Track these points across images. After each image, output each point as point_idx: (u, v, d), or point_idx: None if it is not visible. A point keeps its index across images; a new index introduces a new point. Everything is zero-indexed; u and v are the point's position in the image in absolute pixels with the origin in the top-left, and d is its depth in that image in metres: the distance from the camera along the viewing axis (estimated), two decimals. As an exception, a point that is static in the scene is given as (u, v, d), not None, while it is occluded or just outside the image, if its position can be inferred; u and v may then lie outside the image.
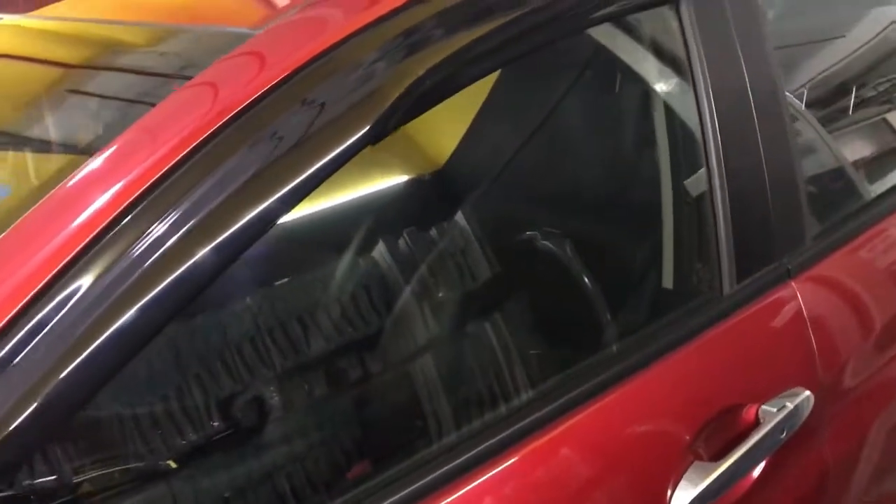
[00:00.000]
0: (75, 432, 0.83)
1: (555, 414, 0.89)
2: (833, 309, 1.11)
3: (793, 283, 1.08)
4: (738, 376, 1.02)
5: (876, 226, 1.19)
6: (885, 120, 1.54)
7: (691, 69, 1.05)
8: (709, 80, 1.04)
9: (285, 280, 1.15)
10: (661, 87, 1.11)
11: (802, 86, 1.40)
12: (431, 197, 1.38)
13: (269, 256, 1.13)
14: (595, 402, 0.92)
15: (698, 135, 1.05)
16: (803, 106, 1.37)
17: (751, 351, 1.04)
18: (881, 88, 1.54)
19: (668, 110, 1.11)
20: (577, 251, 1.23)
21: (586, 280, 1.17)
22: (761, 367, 1.04)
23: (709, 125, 1.04)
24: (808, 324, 1.07)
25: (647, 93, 1.13)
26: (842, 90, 1.46)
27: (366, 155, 1.24)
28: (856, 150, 1.36)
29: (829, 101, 1.51)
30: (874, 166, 1.40)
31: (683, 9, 1.05)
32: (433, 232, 1.24)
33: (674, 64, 1.08)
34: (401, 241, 1.22)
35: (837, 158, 1.31)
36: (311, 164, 0.75)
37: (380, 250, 1.21)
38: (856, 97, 1.42)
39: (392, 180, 1.35)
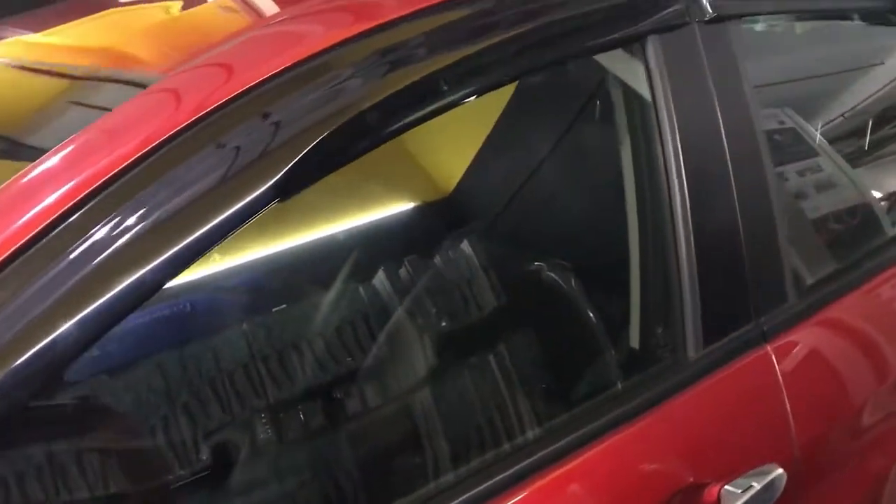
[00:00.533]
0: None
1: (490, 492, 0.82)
2: (814, 376, 1.02)
3: (768, 347, 0.99)
4: (701, 451, 0.93)
5: (870, 282, 1.09)
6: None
7: (656, 113, 0.97)
8: (676, 126, 0.96)
9: (280, 309, 1.12)
10: (627, 131, 1.04)
11: (832, 119, 1.31)
12: (437, 224, 1.32)
13: (260, 285, 1.12)
14: (538, 477, 0.84)
15: (663, 183, 0.97)
16: (822, 140, 1.28)
17: (717, 422, 0.95)
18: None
19: (636, 156, 1.03)
20: (549, 301, 1.16)
21: (552, 336, 1.10)
22: (728, 441, 0.95)
23: (674, 173, 0.96)
24: (785, 392, 0.98)
25: (616, 137, 1.06)
26: (866, 124, 1.35)
27: (369, 178, 1.21)
28: (875, 189, 1.26)
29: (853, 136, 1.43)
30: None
31: (650, 49, 0.98)
32: (437, 260, 1.20)
33: (640, 107, 1.01)
34: (402, 270, 1.17)
35: (848, 201, 1.20)
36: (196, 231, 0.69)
37: (380, 278, 1.16)
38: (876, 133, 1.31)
39: (397, 206, 1.30)
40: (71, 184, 0.68)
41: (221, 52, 0.83)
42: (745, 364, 0.97)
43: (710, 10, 1.02)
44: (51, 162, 0.71)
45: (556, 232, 1.26)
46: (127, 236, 0.67)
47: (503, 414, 1.04)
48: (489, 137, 1.38)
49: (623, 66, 1.02)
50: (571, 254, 1.17)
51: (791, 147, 1.19)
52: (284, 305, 1.13)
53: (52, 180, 0.69)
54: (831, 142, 1.20)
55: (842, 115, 1.36)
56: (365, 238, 1.23)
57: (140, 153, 0.70)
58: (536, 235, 1.30)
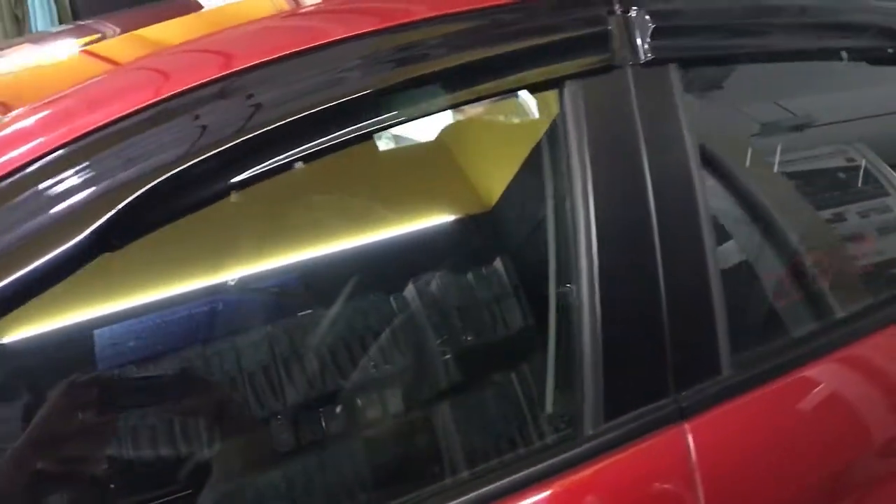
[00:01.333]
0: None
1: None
2: (738, 464, 0.90)
3: (686, 426, 0.89)
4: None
5: (816, 362, 0.97)
6: None
7: (569, 167, 0.90)
8: (589, 179, 0.89)
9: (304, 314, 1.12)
10: (548, 182, 0.97)
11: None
12: (474, 239, 1.28)
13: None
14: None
15: (572, 237, 0.90)
16: (786, 198, 1.16)
17: (609, 507, 0.86)
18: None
19: (557, 205, 0.96)
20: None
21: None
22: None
23: (582, 225, 0.88)
24: (699, 479, 0.87)
25: (541, 185, 0.99)
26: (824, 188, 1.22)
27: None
28: (831, 259, 1.13)
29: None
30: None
31: (566, 94, 0.91)
32: (469, 276, 1.16)
33: (555, 159, 0.93)
34: (433, 283, 1.14)
35: (797, 269, 1.08)
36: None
37: (411, 291, 1.14)
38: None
39: (436, 218, 1.27)
40: None
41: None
42: (653, 444, 0.88)
43: (647, 53, 0.94)
44: None
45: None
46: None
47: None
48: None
49: (546, 112, 0.95)
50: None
51: (746, 204, 1.07)
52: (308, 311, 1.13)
53: None
54: (793, 200, 1.08)
55: (801, 176, 1.23)
56: (398, 249, 1.20)
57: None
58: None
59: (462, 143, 1.22)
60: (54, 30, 2.45)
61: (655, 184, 0.91)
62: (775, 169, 1.25)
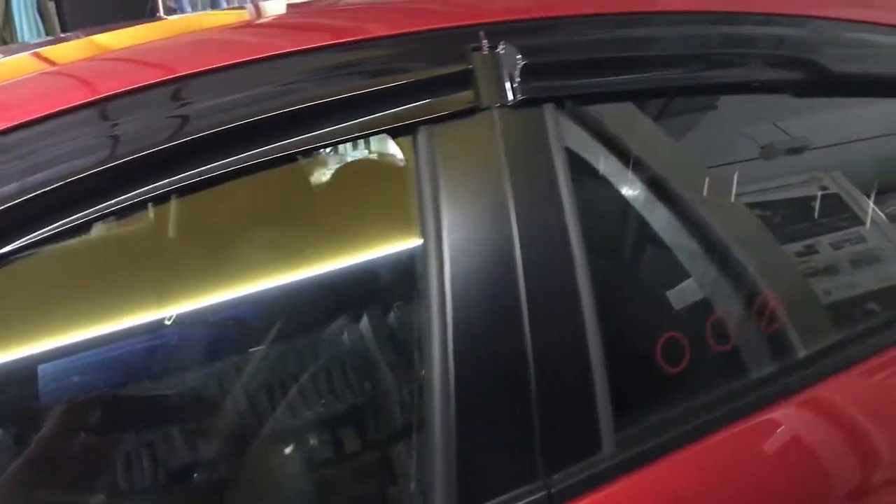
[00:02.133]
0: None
1: None
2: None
3: (555, 515, 0.78)
4: None
5: (706, 439, 0.85)
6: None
7: (422, 220, 0.80)
8: (445, 237, 0.79)
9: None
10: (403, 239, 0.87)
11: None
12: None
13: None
14: None
15: (424, 297, 0.80)
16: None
17: None
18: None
19: (414, 267, 0.86)
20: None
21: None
22: None
23: (434, 289, 0.78)
24: (567, 577, 0.77)
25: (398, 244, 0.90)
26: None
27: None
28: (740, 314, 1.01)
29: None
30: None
31: (420, 140, 0.82)
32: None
33: (406, 210, 0.84)
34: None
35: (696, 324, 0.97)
36: None
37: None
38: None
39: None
40: None
41: None
42: (513, 536, 0.77)
43: (517, 93, 0.85)
44: None
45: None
46: None
47: None
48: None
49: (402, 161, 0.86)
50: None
51: (637, 255, 0.97)
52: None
53: None
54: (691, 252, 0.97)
55: (765, 207, 1.12)
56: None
57: None
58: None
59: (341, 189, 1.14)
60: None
61: (523, 239, 0.81)
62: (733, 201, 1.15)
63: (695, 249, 0.97)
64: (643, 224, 0.96)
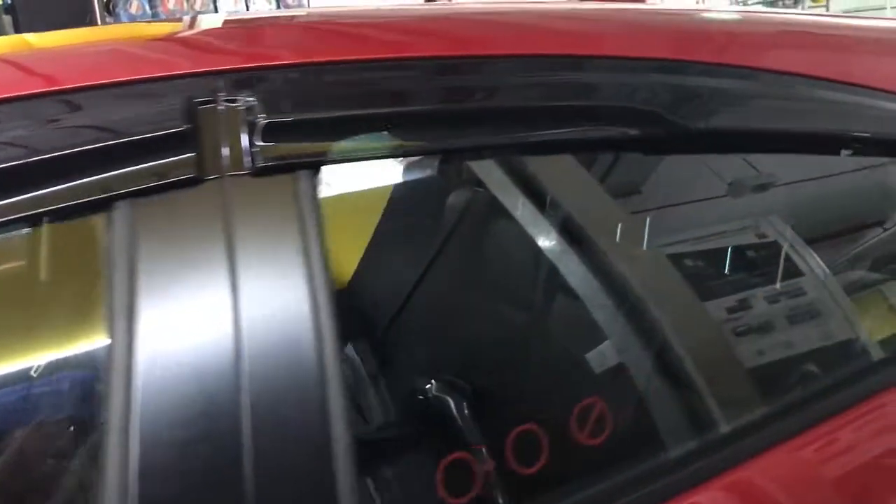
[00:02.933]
0: None
1: None
2: None
3: None
4: None
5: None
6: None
7: (111, 318, 0.61)
8: (137, 340, 0.60)
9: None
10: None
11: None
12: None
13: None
14: None
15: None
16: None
17: None
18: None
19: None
20: None
21: None
22: None
23: (117, 415, 0.59)
24: None
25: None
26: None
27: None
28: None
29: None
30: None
31: (117, 219, 0.63)
32: None
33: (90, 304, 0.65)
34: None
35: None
36: None
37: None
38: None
39: None
40: None
41: None
42: None
43: (257, 159, 0.67)
44: None
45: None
46: None
47: None
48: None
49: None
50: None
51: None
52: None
53: None
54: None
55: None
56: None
57: None
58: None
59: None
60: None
61: (253, 356, 0.62)
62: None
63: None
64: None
